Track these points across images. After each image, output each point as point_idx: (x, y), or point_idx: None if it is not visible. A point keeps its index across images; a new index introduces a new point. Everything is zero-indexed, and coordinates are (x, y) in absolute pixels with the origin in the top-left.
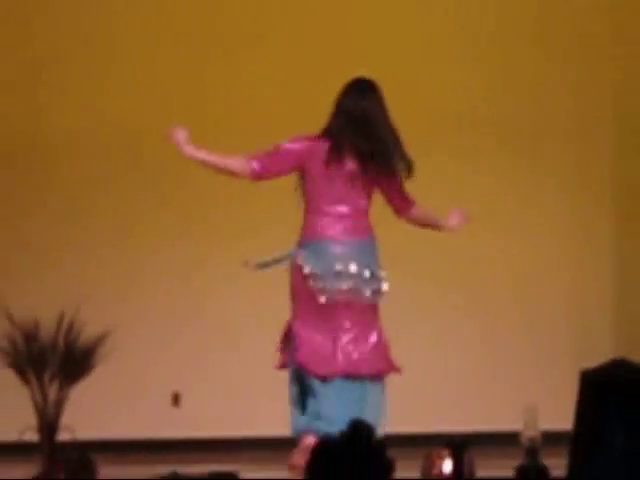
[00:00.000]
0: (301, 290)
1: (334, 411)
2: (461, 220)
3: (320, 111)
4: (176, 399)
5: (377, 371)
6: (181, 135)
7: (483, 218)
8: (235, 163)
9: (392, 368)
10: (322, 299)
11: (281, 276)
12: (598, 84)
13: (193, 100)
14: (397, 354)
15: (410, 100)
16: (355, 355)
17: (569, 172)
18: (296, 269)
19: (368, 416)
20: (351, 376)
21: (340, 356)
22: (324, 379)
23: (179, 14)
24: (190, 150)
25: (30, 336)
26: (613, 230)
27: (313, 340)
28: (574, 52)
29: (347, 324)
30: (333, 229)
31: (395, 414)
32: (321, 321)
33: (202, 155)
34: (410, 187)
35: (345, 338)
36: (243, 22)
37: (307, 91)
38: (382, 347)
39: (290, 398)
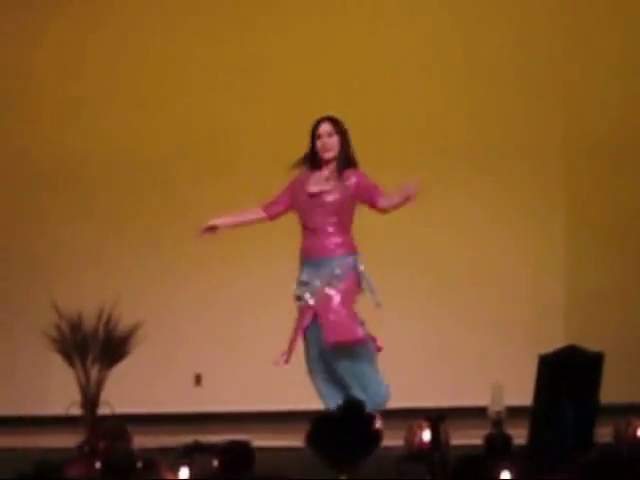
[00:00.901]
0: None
1: None
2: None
3: None
4: (198, 379)
5: None
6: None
7: (456, 223)
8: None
9: None
10: None
11: (289, 275)
12: (551, 111)
13: (208, 130)
14: (388, 343)
15: (393, 125)
16: None
17: (530, 186)
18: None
19: None
20: None
21: None
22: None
23: (202, 59)
24: None
25: (75, 326)
26: (566, 234)
27: None
28: (532, 85)
29: None
30: None
31: None
32: None
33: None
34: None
35: None
36: (251, 64)
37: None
38: None
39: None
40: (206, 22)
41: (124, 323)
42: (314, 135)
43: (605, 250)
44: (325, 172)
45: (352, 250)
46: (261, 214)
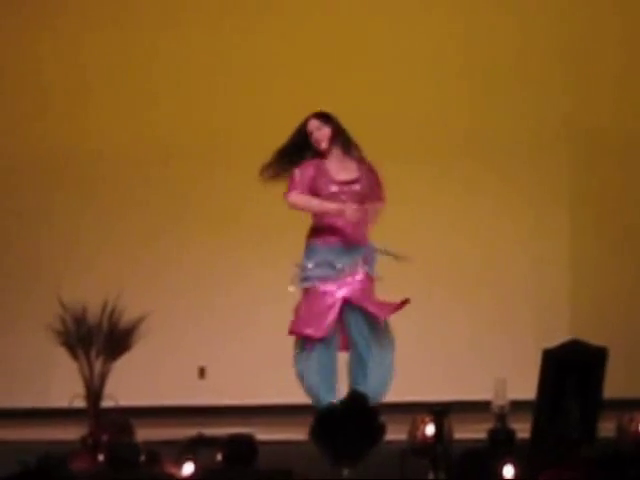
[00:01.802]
0: None
1: None
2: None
3: None
4: (202, 372)
5: None
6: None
7: (460, 218)
8: None
9: None
10: None
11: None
12: (554, 107)
13: (211, 126)
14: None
15: (400, 123)
16: None
17: (533, 181)
18: None
19: None
20: None
21: None
22: None
23: (207, 53)
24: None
25: (79, 319)
26: (569, 230)
27: None
28: (534, 82)
29: None
30: None
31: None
32: None
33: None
34: (400, 193)
35: None
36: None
37: None
38: None
39: None
40: (210, 22)
41: (128, 316)
42: (305, 131)
43: (609, 245)
44: (342, 160)
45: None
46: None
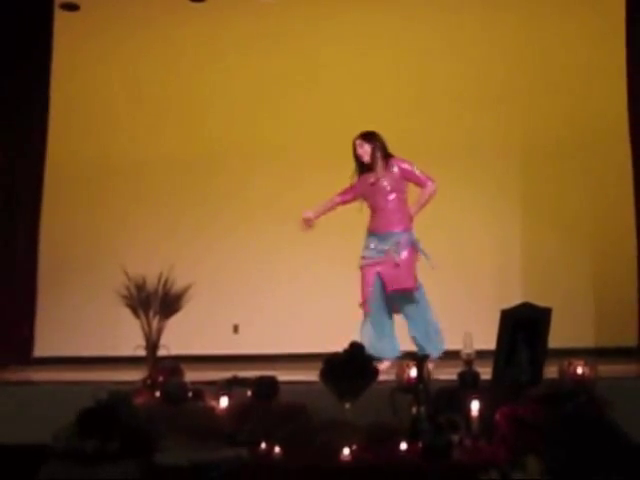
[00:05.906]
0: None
1: None
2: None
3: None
4: (236, 329)
5: None
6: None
7: (438, 212)
8: None
9: None
10: None
11: (305, 246)
12: (512, 127)
13: (250, 135)
14: None
15: (399, 140)
16: None
17: (493, 182)
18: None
19: None
20: None
21: None
22: None
23: (243, 79)
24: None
25: (140, 287)
26: (521, 221)
27: None
28: (497, 106)
29: None
30: None
31: None
32: None
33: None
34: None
35: None
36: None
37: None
38: None
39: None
40: (246, 50)
41: (178, 285)
42: (354, 150)
43: (553, 230)
44: (377, 169)
45: (408, 226)
46: (337, 200)
